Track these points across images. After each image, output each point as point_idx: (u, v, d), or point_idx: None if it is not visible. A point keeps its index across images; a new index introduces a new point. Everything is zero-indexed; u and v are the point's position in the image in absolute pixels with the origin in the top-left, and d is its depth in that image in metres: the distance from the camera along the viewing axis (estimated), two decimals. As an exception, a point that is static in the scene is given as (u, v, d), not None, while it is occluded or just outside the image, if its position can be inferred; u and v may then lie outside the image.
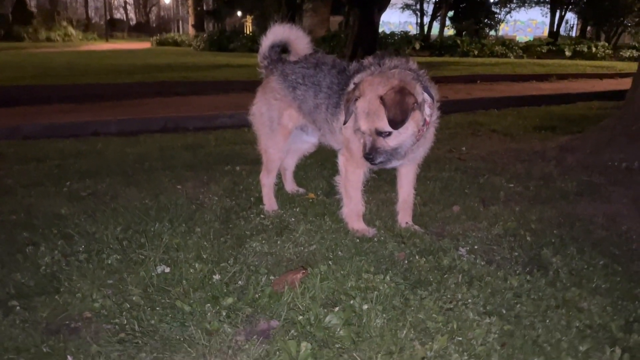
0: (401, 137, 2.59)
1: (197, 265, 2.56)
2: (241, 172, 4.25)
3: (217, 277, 2.44)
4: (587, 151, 4.39)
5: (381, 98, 2.51)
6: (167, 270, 2.53)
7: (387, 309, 2.22)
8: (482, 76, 16.01)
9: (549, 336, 2.06)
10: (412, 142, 2.69)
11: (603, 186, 3.86)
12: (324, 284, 2.38)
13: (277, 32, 3.25)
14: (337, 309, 2.16)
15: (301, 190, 3.77)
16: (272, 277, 2.48)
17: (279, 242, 2.89)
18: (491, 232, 3.15)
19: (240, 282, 2.44)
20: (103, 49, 29.18)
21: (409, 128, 2.59)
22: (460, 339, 2.02)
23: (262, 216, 3.27)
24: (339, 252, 2.78)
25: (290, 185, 3.76)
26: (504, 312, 2.25)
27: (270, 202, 3.40)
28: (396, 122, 2.50)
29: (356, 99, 2.61)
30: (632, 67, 22.57)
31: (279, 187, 3.68)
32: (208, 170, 4.28)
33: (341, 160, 3.06)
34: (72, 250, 2.75)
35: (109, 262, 2.62)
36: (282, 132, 3.25)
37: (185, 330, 2.08)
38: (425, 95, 2.68)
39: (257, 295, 2.30)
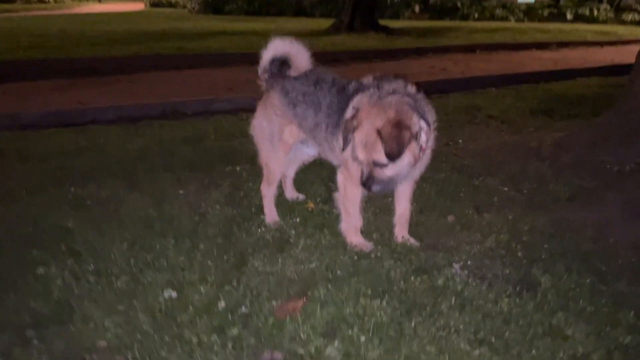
0: (398, 167, 2.67)
1: (202, 288, 2.69)
2: (241, 172, 4.34)
3: (222, 304, 2.57)
4: (581, 150, 4.46)
5: (378, 131, 2.58)
6: (174, 295, 2.65)
7: (383, 339, 2.35)
8: (481, 45, 15.83)
9: (534, 369, 2.21)
10: (408, 171, 2.77)
11: (594, 191, 3.96)
12: (323, 311, 2.51)
13: (278, 47, 3.27)
14: (336, 342, 2.29)
15: (301, 196, 3.86)
16: (274, 302, 2.60)
17: (279, 260, 3.00)
18: (484, 244, 3.27)
19: (243, 308, 2.56)
20: (96, 12, 28.58)
21: (406, 159, 2.66)
22: (452, 373, 2.17)
23: (262, 229, 3.38)
24: (338, 271, 2.90)
25: (290, 193, 3.85)
26: (494, 340, 2.38)
27: (270, 213, 3.49)
28: (393, 156, 2.57)
29: (354, 129, 2.67)
30: (633, 32, 22.32)
31: (279, 192, 3.76)
32: (209, 170, 4.36)
33: (340, 178, 3.14)
34: (82, 271, 2.86)
35: (118, 284, 2.74)
36: (282, 147, 3.32)
37: (194, 362, 2.22)
38: (422, 122, 2.74)
39: (260, 325, 2.43)
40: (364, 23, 18.80)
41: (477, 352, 2.29)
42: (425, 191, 3.99)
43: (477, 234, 3.39)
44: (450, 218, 3.60)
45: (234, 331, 2.37)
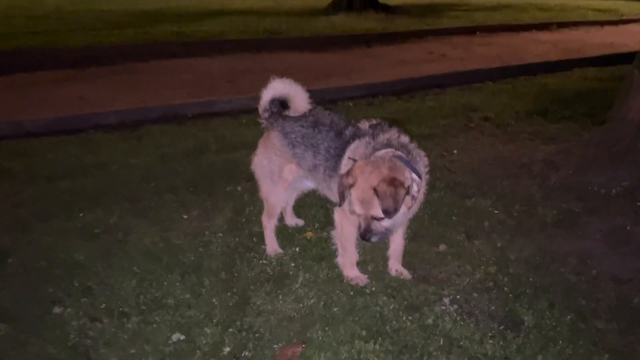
0: (393, 220, 2.84)
1: (208, 330, 2.89)
2: (242, 194, 4.50)
3: (227, 348, 2.77)
4: (570, 171, 4.61)
5: (374, 190, 2.73)
6: (182, 337, 2.85)
7: (376, 386, 2.57)
8: (481, 27, 15.78)
9: (512, 418, 2.43)
10: (403, 219, 2.95)
11: (580, 216, 4.13)
12: (320, 356, 2.71)
13: (277, 88, 3.39)
14: (332, 392, 2.51)
15: (300, 222, 4.03)
16: (275, 346, 2.81)
17: (280, 297, 3.20)
18: (474, 276, 3.45)
19: (247, 352, 2.77)
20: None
21: (400, 211, 2.83)
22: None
23: (264, 260, 3.56)
24: (335, 309, 3.10)
25: (290, 219, 4.02)
26: (477, 385, 2.61)
27: (271, 243, 3.67)
28: (389, 212, 2.73)
29: (350, 186, 2.82)
30: (634, 8, 22.09)
31: (280, 217, 3.92)
32: (210, 192, 4.52)
33: (337, 217, 3.32)
34: (95, 309, 3.07)
35: (129, 325, 2.94)
36: (282, 184, 3.48)
37: (203, 411, 2.43)
38: (414, 175, 2.90)
39: (262, 371, 2.64)
40: (364, 0, 18.59)
41: (461, 399, 2.50)
42: (419, 214, 4.14)
43: (467, 265, 3.57)
44: (442, 247, 3.78)
45: (239, 378, 2.59)
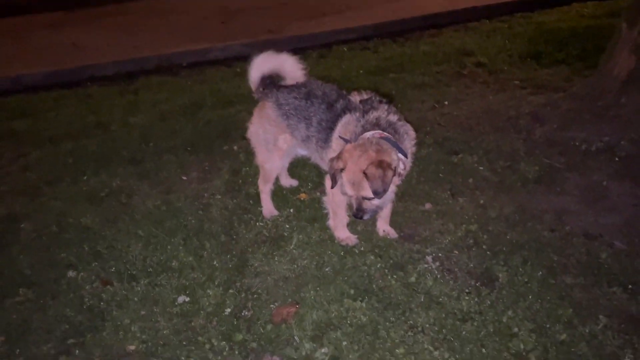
0: (383, 198, 3.05)
1: (210, 292, 3.18)
2: (239, 153, 4.68)
3: (227, 309, 3.07)
4: (555, 125, 4.76)
5: (364, 172, 2.91)
6: (187, 299, 3.15)
7: (362, 341, 2.87)
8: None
9: (481, 367, 2.76)
10: (392, 195, 3.17)
11: (561, 172, 4.32)
12: (313, 315, 3.01)
13: (261, 66, 3.44)
14: (324, 348, 2.81)
15: (294, 182, 4.24)
16: (272, 305, 3.11)
17: (276, 258, 3.47)
18: (456, 234, 3.71)
19: (245, 312, 3.07)
20: None
21: (390, 189, 3.03)
22: (414, 376, 2.73)
23: (260, 222, 3.81)
24: (326, 269, 3.39)
25: (285, 180, 4.22)
26: (452, 339, 2.91)
27: (267, 206, 3.90)
28: (379, 193, 2.93)
29: (341, 170, 3.00)
30: None
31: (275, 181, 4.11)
32: (208, 151, 4.70)
33: (328, 184, 3.51)
34: (106, 274, 3.35)
35: (138, 289, 3.23)
36: (277, 152, 3.66)
37: (208, 366, 2.77)
38: (400, 155, 3.07)
39: (261, 330, 2.94)
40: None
41: (437, 352, 2.82)
42: (408, 174, 4.35)
43: (450, 223, 3.81)
44: (428, 206, 4.01)
45: (239, 337, 2.89)
